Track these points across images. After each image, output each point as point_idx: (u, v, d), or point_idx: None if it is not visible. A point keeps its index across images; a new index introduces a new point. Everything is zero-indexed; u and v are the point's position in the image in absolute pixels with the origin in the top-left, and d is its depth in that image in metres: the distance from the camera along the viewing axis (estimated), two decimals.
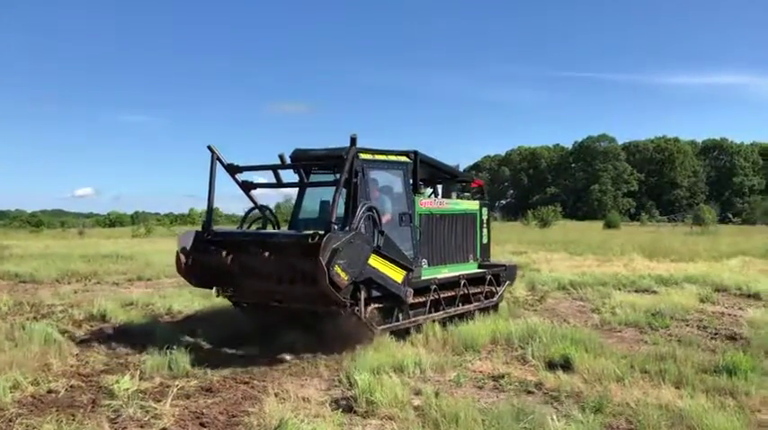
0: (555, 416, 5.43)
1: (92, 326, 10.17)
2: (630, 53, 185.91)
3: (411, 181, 9.37)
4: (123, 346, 8.68)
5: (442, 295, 9.73)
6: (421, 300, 9.28)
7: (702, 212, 59.80)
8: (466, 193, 12.51)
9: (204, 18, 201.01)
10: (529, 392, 6.59)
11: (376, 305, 8.47)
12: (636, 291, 14.27)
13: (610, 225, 65.66)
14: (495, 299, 11.05)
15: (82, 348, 8.53)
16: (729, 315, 11.45)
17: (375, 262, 7.77)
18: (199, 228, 9.05)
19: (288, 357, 8.10)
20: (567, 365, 7.31)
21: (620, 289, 14.52)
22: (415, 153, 9.45)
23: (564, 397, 6.31)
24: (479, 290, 10.71)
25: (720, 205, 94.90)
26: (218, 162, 9.08)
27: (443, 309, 9.76)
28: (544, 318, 10.70)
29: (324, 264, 6.91)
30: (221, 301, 12.14)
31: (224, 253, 8.43)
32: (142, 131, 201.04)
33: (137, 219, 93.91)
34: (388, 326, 8.64)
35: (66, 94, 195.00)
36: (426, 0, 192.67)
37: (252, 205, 9.72)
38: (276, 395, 6.23)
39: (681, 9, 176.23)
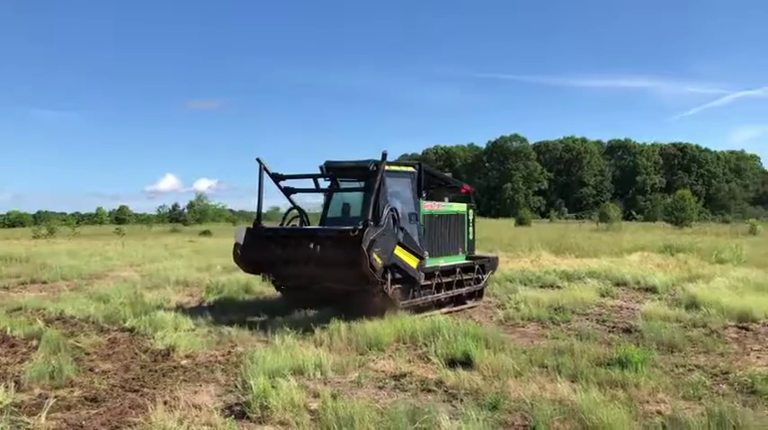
0: (450, 416, 5.38)
1: None
2: (541, 56, 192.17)
3: (416, 187, 11.25)
4: (3, 356, 8.09)
5: (443, 280, 11.55)
6: (428, 283, 11.12)
7: (607, 210, 62.39)
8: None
9: (117, 13, 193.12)
10: (429, 391, 6.54)
11: (397, 286, 10.26)
12: (541, 287, 14.60)
13: (521, 222, 67.53)
14: (481, 284, 12.79)
15: None
16: (627, 308, 11.88)
17: (398, 251, 9.74)
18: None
19: (184, 362, 7.77)
20: (467, 362, 7.33)
21: (525, 284, 14.80)
22: (420, 164, 11.47)
23: (463, 394, 6.30)
24: (469, 277, 12.45)
25: (625, 203, 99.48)
26: (265, 171, 10.96)
27: (444, 292, 11.54)
28: (450, 316, 10.78)
29: (365, 250, 8.85)
30: (119, 304, 11.58)
31: (273, 245, 10.49)
32: (46, 127, 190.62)
33: (39, 219, 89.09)
34: (406, 302, 10.50)
35: None
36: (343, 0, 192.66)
37: (291, 206, 11.65)
38: (165, 403, 5.90)
39: (586, 15, 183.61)
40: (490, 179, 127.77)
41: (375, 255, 9.07)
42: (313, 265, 9.94)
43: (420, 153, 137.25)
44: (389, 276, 9.93)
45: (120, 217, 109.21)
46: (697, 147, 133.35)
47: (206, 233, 53.65)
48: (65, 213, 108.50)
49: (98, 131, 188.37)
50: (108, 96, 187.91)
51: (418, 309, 10.83)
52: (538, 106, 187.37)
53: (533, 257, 21.42)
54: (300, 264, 10.10)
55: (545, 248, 24.34)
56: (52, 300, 12.47)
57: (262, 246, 10.64)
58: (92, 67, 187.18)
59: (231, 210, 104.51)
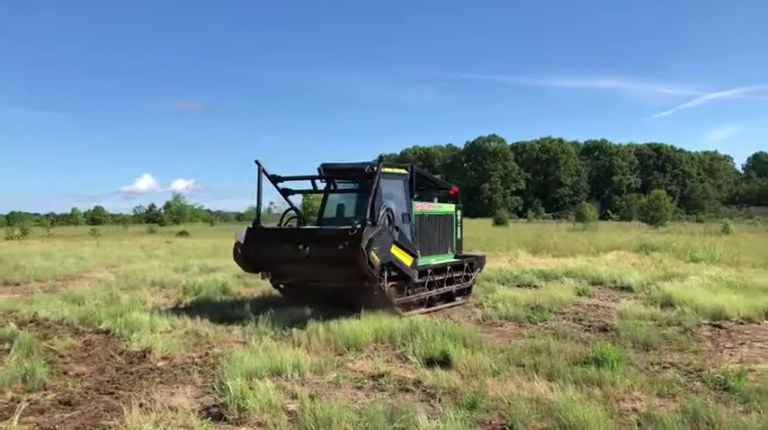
0: (428, 415, 5.39)
1: None
2: (517, 56, 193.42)
3: (409, 188, 11.56)
4: None
5: (435, 278, 11.92)
6: (421, 280, 11.44)
7: (584, 209, 63.02)
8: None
9: (99, 12, 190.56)
10: (407, 391, 6.53)
11: (392, 283, 10.57)
12: (518, 286, 14.68)
13: (499, 222, 67.85)
14: (469, 282, 13.19)
15: None
16: (603, 307, 11.98)
17: (394, 249, 10.09)
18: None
19: (160, 364, 7.69)
20: (445, 361, 7.32)
21: (503, 284, 14.88)
22: (412, 166, 11.92)
23: (441, 394, 6.30)
24: (459, 274, 12.81)
25: (601, 202, 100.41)
26: (263, 173, 11.33)
27: (436, 289, 11.96)
28: (428, 315, 10.80)
29: (363, 249, 9.16)
30: (94, 306, 11.43)
31: (272, 244, 10.83)
32: (20, 126, 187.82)
33: (12, 219, 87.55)
34: (402, 299, 10.86)
35: None
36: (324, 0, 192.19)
37: (288, 206, 12.23)
38: (141, 405, 5.83)
39: (563, 16, 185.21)
40: (468, 179, 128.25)
41: (373, 254, 9.37)
42: (311, 264, 10.21)
43: (399, 153, 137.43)
44: (386, 274, 10.23)
45: (96, 217, 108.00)
46: (672, 147, 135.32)
47: (183, 234, 53.27)
48: (39, 214, 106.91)
49: (73, 131, 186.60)
50: (84, 96, 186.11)
51: (411, 306, 11.16)
52: (515, 107, 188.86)
53: (511, 257, 21.55)
54: (299, 262, 10.34)
55: (522, 248, 24.55)
56: (25, 302, 12.28)
57: (261, 244, 10.87)
58: (69, 66, 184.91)
59: (209, 211, 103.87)
